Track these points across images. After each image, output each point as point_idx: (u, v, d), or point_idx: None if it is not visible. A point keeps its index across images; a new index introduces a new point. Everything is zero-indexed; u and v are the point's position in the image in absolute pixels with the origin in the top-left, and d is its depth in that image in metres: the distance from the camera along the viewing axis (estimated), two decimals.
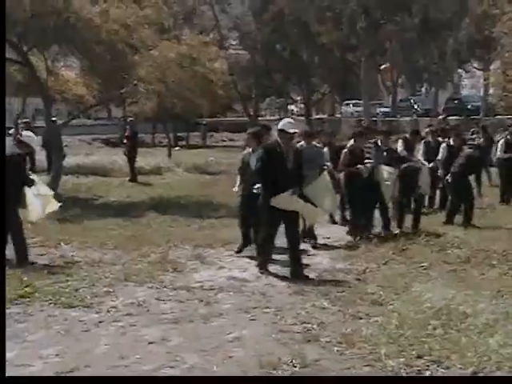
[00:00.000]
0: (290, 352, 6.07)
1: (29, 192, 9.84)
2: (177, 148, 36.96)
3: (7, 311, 7.37)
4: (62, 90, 21.33)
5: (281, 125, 9.23)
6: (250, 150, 10.31)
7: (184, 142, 44.63)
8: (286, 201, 8.96)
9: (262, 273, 9.19)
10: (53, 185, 16.78)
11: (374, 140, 12.49)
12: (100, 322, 7.09)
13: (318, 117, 55.95)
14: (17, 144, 9.87)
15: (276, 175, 8.94)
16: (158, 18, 17.17)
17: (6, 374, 5.26)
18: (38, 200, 9.89)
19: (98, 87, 19.14)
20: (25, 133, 10.47)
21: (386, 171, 11.81)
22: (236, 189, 10.71)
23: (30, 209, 9.91)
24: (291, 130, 9.16)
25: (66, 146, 24.16)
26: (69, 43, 16.22)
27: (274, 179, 8.95)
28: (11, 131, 37.25)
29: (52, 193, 10.35)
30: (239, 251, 10.48)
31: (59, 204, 10.24)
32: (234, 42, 52.39)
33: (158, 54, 17.13)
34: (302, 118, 50.11)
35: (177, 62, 17.47)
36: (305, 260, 9.61)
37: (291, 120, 9.74)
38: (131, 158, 21.16)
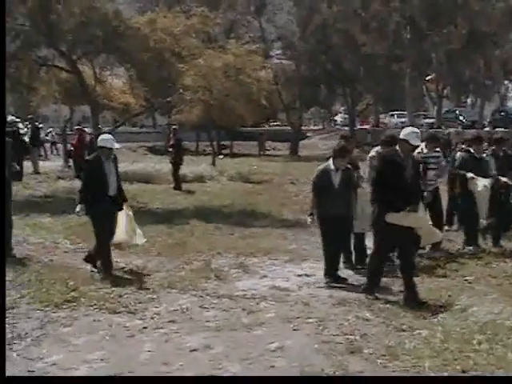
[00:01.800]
0: (332, 363, 6.03)
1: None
2: (220, 156, 37.08)
3: (54, 315, 7.49)
4: (109, 97, 21.57)
5: (404, 134, 8.32)
6: (331, 165, 9.25)
7: (228, 151, 44.84)
8: (404, 219, 8.13)
9: (368, 298, 8.33)
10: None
11: (464, 148, 12.09)
12: (144, 328, 7.14)
13: (361, 127, 55.65)
14: (99, 149, 9.66)
15: (394, 189, 8.07)
16: (204, 28, 17.28)
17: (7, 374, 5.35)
18: (127, 224, 9.81)
19: (145, 95, 19.33)
20: (103, 136, 10.04)
21: (482, 182, 11.24)
22: (309, 219, 9.47)
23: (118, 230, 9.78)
24: (415, 143, 8.29)
25: None
26: (117, 52, 16.43)
27: (391, 193, 8.11)
28: (48, 136, 37.87)
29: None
30: (330, 279, 9.23)
31: (144, 240, 10.23)
32: (278, 52, 52.53)
33: (203, 63, 17.26)
34: (346, 128, 49.99)
35: (222, 71, 17.60)
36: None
37: (416, 130, 8.65)
38: (176, 166, 21.25)
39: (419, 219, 8.57)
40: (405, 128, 8.87)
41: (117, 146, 9.76)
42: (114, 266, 9.67)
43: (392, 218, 8.09)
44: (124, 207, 9.82)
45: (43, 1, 14.97)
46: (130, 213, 9.98)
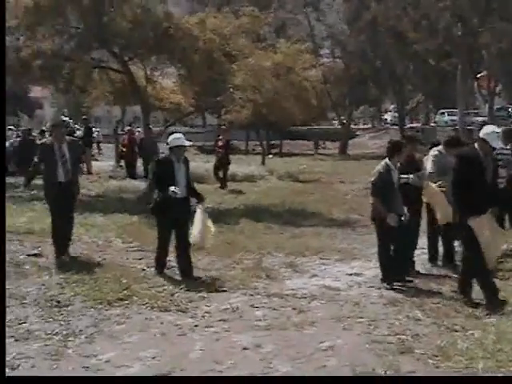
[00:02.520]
0: (383, 363, 5.98)
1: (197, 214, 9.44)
2: (270, 156, 37.13)
3: (107, 312, 7.59)
4: (160, 98, 21.72)
5: (484, 134, 7.90)
6: (390, 164, 8.96)
7: (277, 150, 44.88)
8: (484, 224, 7.73)
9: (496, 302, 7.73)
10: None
11: None
12: (195, 326, 7.18)
13: (411, 125, 55.15)
14: (170, 150, 9.34)
15: (474, 190, 7.72)
16: (254, 27, 17.30)
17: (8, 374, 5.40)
18: (201, 225, 9.41)
19: (195, 95, 19.46)
20: (174, 135, 9.48)
21: None
22: (392, 221, 8.75)
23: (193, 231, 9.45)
24: (496, 145, 7.93)
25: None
26: (168, 53, 16.57)
27: (472, 195, 7.70)
28: (94, 135, 38.25)
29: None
30: (391, 283, 8.86)
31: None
32: (327, 51, 52.38)
33: (253, 62, 17.30)
34: (396, 126, 49.59)
35: (272, 71, 17.61)
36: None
37: (497, 129, 8.27)
38: (224, 166, 21.32)
39: (496, 229, 8.07)
40: (485, 126, 8.39)
41: (188, 143, 9.54)
42: (166, 266, 9.77)
43: (474, 223, 7.71)
44: (200, 207, 9.55)
45: (96, 4, 15.17)
46: (206, 213, 9.66)
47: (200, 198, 9.64)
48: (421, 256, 10.29)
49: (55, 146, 10.15)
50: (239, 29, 16.77)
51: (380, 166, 9.01)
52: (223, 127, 22.84)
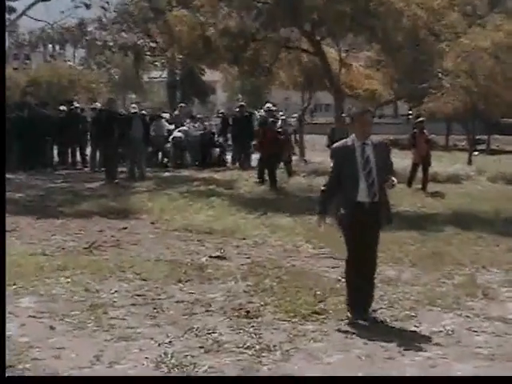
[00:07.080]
0: None
1: None
2: (476, 153, 36.12)
3: (302, 327, 7.67)
4: (352, 84, 21.66)
5: None
6: None
7: (484, 146, 43.56)
8: None
9: None
10: None
11: None
12: (404, 350, 7.10)
13: None
14: None
15: None
16: (469, 0, 16.87)
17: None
18: None
19: (395, 81, 19.25)
20: None
21: None
22: None
23: None
24: None
25: None
26: (367, 31, 16.50)
27: None
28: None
29: None
30: None
31: None
32: None
33: (468, 42, 16.87)
34: None
35: (490, 52, 17.08)
36: None
37: None
38: (425, 164, 21.04)
39: None
40: None
41: None
42: None
43: None
44: None
45: None
46: None
47: None
48: None
49: (357, 148, 7.97)
50: (451, 2, 16.39)
51: None
52: (420, 119, 22.41)
